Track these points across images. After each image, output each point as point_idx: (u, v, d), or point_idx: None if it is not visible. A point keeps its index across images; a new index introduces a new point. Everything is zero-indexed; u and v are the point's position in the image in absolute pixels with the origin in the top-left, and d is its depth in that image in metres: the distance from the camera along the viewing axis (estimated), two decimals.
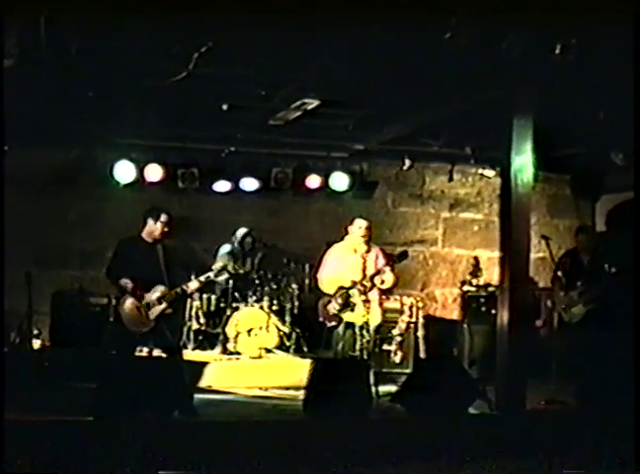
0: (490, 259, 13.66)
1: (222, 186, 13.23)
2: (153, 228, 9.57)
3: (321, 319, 10.66)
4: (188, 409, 8.42)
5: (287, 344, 12.09)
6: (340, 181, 13.54)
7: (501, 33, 7.53)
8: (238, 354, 11.73)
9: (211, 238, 12.90)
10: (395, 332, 11.17)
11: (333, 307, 10.34)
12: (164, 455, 7.07)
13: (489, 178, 14.09)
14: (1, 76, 6.93)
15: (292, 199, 13.80)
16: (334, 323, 10.45)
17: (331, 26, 7.36)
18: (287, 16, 7.15)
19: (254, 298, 12.16)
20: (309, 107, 10.53)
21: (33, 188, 12.08)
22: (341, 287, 10.29)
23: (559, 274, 11.16)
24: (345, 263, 10.50)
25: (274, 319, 12.04)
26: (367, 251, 10.44)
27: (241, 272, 12.35)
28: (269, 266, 12.71)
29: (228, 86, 9.81)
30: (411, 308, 11.44)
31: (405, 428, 8.20)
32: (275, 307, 12.24)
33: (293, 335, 12.22)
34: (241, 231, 12.74)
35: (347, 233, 10.61)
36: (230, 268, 11.85)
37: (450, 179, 14.19)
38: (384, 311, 10.77)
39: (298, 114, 10.94)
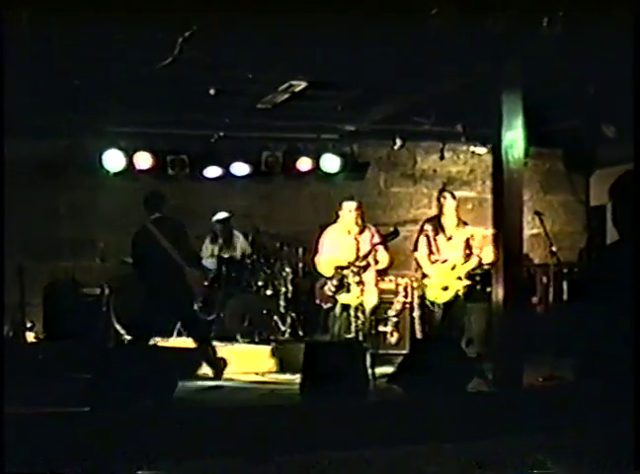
0: (484, 236, 13.60)
1: (213, 171, 13.18)
2: None
3: (317, 301, 10.66)
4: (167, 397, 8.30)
5: (282, 328, 12.03)
6: (331, 163, 13.49)
7: (487, 7, 7.47)
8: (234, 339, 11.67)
9: (203, 225, 12.82)
10: (391, 313, 11.12)
11: (328, 289, 10.34)
12: (162, 443, 7.05)
13: (480, 155, 14.04)
14: (1, 75, 6.85)
15: (284, 183, 13.75)
16: (330, 305, 10.44)
17: (316, 6, 7.29)
18: None
19: (247, 283, 12.10)
20: (297, 89, 10.49)
21: (21, 179, 11.98)
22: (336, 269, 10.29)
23: (554, 249, 11.12)
24: (340, 244, 10.50)
25: (268, 303, 11.97)
26: (361, 231, 10.42)
27: (226, 256, 12.29)
28: (261, 250, 12.64)
29: (214, 70, 9.74)
30: (406, 288, 11.38)
31: (402, 408, 8.18)
32: (269, 292, 12.17)
33: (288, 319, 12.17)
34: (216, 216, 12.56)
35: (338, 217, 10.61)
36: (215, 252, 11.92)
37: (442, 157, 14.14)
38: (380, 292, 10.76)
39: (286, 96, 10.89)
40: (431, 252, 10.73)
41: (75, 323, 10.93)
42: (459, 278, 10.63)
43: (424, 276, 10.92)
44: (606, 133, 11.83)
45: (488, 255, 10.35)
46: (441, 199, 11.02)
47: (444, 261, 10.70)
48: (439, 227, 10.86)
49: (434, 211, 14.07)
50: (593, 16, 7.49)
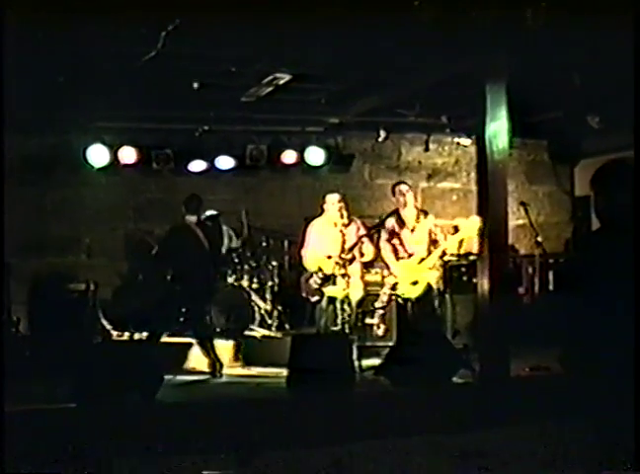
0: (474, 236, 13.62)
1: (197, 165, 13.13)
2: None
3: (304, 294, 10.65)
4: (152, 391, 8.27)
5: (269, 321, 12.02)
6: (316, 155, 13.47)
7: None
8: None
9: None
10: (377, 305, 11.08)
11: (314, 281, 10.34)
12: (150, 438, 7.06)
13: (465, 146, 14.06)
14: (1, 75, 6.82)
15: (269, 176, 13.73)
16: (316, 298, 10.44)
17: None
18: None
19: (233, 277, 12.08)
20: (281, 81, 10.47)
21: (6, 176, 11.92)
22: (322, 262, 10.30)
23: (539, 239, 11.13)
24: (326, 237, 10.49)
25: (254, 297, 11.97)
26: (347, 224, 10.40)
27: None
28: (247, 243, 12.62)
29: (198, 64, 9.72)
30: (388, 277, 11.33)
31: (389, 400, 8.20)
32: (255, 285, 12.16)
33: (275, 312, 12.15)
34: (205, 214, 12.48)
35: (323, 210, 10.60)
36: None
37: (427, 149, 14.17)
38: (366, 284, 10.75)
39: (270, 89, 10.87)
40: (395, 248, 10.62)
41: (61, 319, 10.90)
42: (429, 269, 10.49)
43: (391, 274, 10.67)
44: (591, 124, 11.85)
45: (453, 243, 10.31)
46: (397, 192, 10.71)
47: (410, 255, 10.51)
48: (399, 221, 10.63)
49: (419, 204, 14.11)
50: (576, 7, 7.49)
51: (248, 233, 12.58)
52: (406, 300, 10.47)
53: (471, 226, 9.79)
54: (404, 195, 10.57)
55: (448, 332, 11.15)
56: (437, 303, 10.56)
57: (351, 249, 10.19)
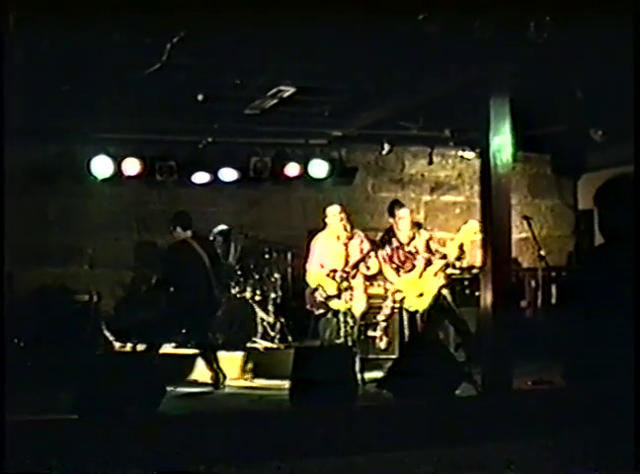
0: (472, 241, 13.60)
1: (201, 177, 13.15)
2: None
3: (309, 307, 10.64)
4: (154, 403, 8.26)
5: (272, 334, 12.00)
6: (319, 168, 13.48)
7: (474, 12, 7.48)
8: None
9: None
10: (380, 318, 11.06)
11: (320, 294, 10.33)
12: (152, 449, 7.04)
13: (469, 160, 14.04)
14: (0, 77, 6.82)
15: (272, 188, 13.74)
16: (322, 311, 10.43)
17: (304, 12, 7.30)
18: (260, 2, 7.10)
19: (237, 289, 12.07)
20: (285, 94, 10.49)
21: (9, 186, 11.93)
22: (327, 275, 10.29)
23: (542, 253, 11.11)
24: (330, 251, 10.49)
25: (257, 309, 11.95)
26: (350, 237, 10.40)
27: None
28: (250, 256, 12.62)
29: (202, 76, 9.75)
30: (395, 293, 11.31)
31: (392, 413, 8.18)
32: (258, 297, 12.14)
33: (277, 324, 12.14)
34: (217, 228, 12.50)
35: (325, 224, 10.60)
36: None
37: (430, 162, 14.14)
38: (369, 297, 10.74)
39: (274, 101, 10.89)
40: (397, 266, 10.57)
41: (64, 329, 10.90)
42: (433, 278, 10.33)
43: (396, 291, 10.51)
44: (594, 137, 11.85)
45: (452, 248, 10.25)
46: (396, 216, 10.59)
47: (412, 268, 10.45)
48: (396, 238, 10.55)
49: (422, 216, 14.14)
50: (580, 20, 7.50)
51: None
52: (411, 313, 10.40)
53: (469, 229, 9.84)
54: (402, 218, 10.54)
55: (451, 345, 11.12)
56: (441, 315, 10.53)
57: (356, 264, 10.19)
